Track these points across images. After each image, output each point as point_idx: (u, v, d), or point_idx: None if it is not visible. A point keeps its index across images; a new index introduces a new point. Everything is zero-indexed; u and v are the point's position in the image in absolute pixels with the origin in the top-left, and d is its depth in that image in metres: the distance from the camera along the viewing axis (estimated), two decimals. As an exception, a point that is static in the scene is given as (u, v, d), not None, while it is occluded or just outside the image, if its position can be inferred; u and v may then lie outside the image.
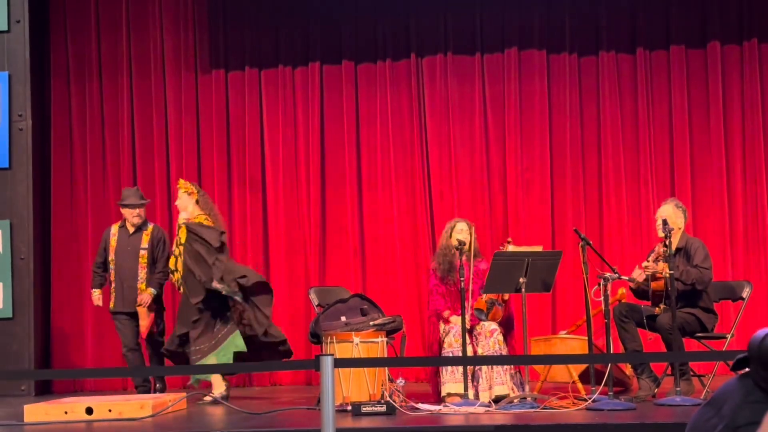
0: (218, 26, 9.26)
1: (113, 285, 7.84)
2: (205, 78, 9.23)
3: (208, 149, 9.19)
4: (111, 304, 7.86)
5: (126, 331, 7.84)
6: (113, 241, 7.91)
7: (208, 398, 7.19)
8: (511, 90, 9.11)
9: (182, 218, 7.57)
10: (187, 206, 7.57)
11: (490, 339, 6.68)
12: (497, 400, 6.40)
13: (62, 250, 9.00)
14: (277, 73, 9.23)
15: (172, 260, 7.49)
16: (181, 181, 7.75)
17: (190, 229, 7.41)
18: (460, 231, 6.91)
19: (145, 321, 7.80)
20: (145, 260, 7.85)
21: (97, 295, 7.93)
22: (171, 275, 7.51)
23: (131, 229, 7.92)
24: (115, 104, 9.20)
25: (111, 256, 7.87)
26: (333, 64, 9.22)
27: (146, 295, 7.75)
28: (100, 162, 9.17)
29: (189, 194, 7.58)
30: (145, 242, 7.89)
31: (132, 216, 7.91)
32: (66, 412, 6.19)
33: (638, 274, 6.77)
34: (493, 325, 6.74)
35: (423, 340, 7.34)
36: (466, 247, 6.76)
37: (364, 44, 9.23)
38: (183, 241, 7.42)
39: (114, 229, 7.99)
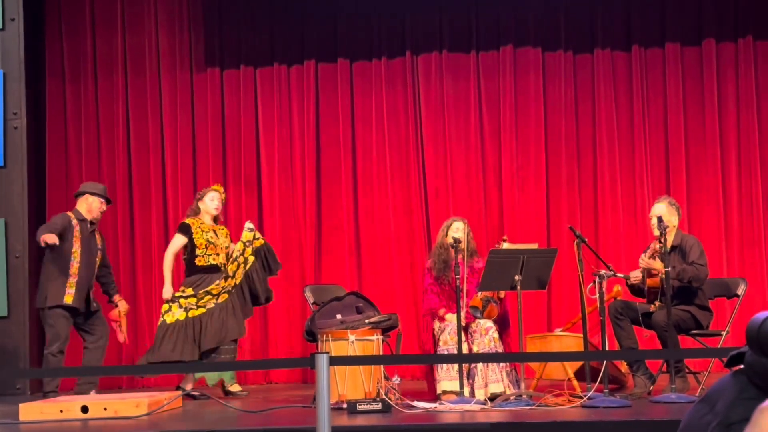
0: (213, 25, 9.26)
1: (75, 279, 7.41)
2: (200, 76, 9.23)
3: (204, 147, 9.18)
4: (67, 299, 7.39)
5: (65, 331, 7.49)
6: (77, 232, 7.49)
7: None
8: (506, 87, 9.12)
9: (252, 226, 7.62)
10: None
11: (485, 337, 6.68)
12: (493, 398, 6.40)
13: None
14: (273, 71, 9.23)
15: (233, 266, 7.49)
16: (219, 186, 7.84)
17: (268, 251, 7.57)
18: (456, 230, 6.92)
19: (124, 330, 7.74)
20: (99, 262, 7.60)
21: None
22: (224, 280, 7.47)
23: (89, 226, 7.55)
24: (110, 102, 9.19)
25: (76, 247, 7.46)
26: (328, 62, 9.22)
27: (124, 303, 7.75)
28: (95, 160, 9.16)
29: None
30: (98, 242, 7.64)
31: (99, 209, 7.60)
32: (61, 411, 6.18)
33: (635, 277, 6.78)
34: (489, 323, 6.74)
35: (418, 338, 7.34)
36: (462, 245, 6.77)
37: (360, 42, 9.23)
38: (251, 254, 7.50)
39: (73, 218, 7.49)
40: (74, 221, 7.49)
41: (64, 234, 7.38)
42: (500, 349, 6.68)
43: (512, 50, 9.14)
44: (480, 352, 6.62)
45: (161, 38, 9.22)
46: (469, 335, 6.75)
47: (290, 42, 9.23)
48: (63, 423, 6.03)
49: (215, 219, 7.72)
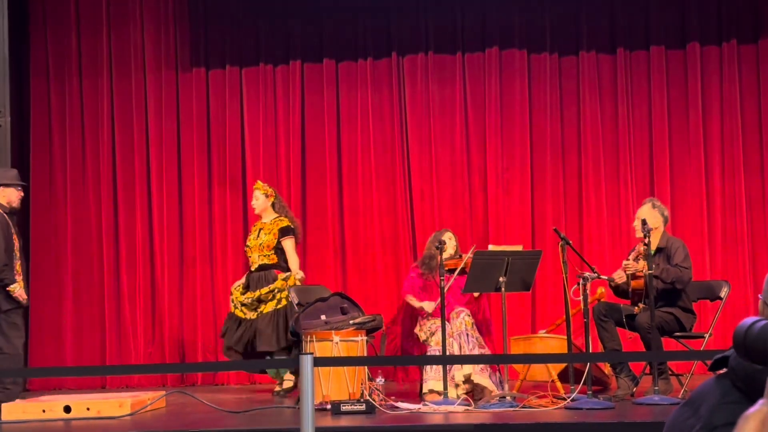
0: (199, 24, 9.24)
1: (21, 276, 7.07)
2: (185, 76, 9.20)
3: (189, 147, 9.16)
4: (25, 298, 7.08)
5: (23, 331, 7.23)
6: (12, 228, 7.08)
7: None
8: (491, 89, 9.13)
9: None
10: (265, 208, 7.83)
11: (457, 320, 6.74)
12: (466, 380, 6.45)
13: (41, 248, 8.95)
14: (258, 71, 9.21)
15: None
16: (259, 183, 7.94)
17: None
18: (449, 239, 7.05)
19: None
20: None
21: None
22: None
23: (7, 217, 7.10)
24: (95, 102, 9.16)
25: (18, 244, 7.13)
26: (314, 63, 9.21)
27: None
28: (79, 160, 9.13)
29: (267, 196, 7.82)
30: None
31: (18, 198, 7.27)
32: (44, 411, 6.16)
33: (619, 276, 6.80)
34: (459, 307, 6.80)
35: (402, 338, 7.37)
36: (446, 246, 6.83)
37: (345, 43, 9.22)
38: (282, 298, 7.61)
39: (3, 215, 7.09)
40: (5, 217, 7.11)
41: (9, 237, 7.04)
42: (472, 333, 6.74)
43: (498, 52, 9.16)
44: (454, 335, 6.67)
45: (146, 38, 9.19)
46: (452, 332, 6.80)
47: (276, 42, 9.22)
48: (45, 423, 6.01)
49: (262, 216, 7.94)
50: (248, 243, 7.85)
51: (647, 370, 6.81)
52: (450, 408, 6.09)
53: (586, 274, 6.51)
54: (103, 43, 9.16)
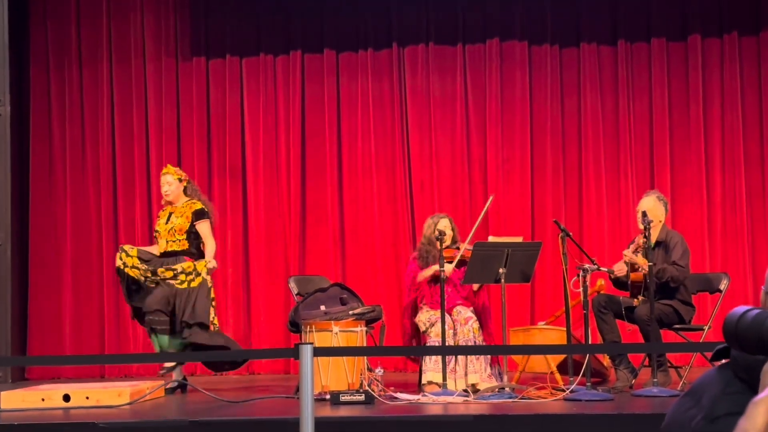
0: (199, 13, 9.22)
1: None
2: (185, 65, 9.19)
3: (189, 137, 9.15)
4: None
5: None
6: None
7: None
8: (492, 81, 9.12)
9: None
10: (178, 194, 7.28)
11: (465, 327, 6.72)
12: (474, 390, 6.43)
13: (40, 237, 8.95)
14: (258, 61, 9.20)
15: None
16: (170, 168, 7.42)
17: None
18: (444, 227, 6.97)
19: None
20: None
21: None
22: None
23: None
24: (94, 90, 9.14)
25: None
26: (314, 53, 9.20)
27: None
28: (79, 149, 9.12)
29: (180, 181, 7.34)
30: None
31: None
32: (43, 399, 6.16)
33: (619, 269, 6.79)
34: (469, 313, 6.78)
35: (402, 329, 7.35)
36: (446, 236, 6.81)
37: (346, 33, 9.21)
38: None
39: None
40: None
41: None
42: (480, 340, 6.72)
43: (498, 44, 9.14)
44: (460, 342, 6.66)
45: (147, 26, 9.18)
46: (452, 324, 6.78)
47: (276, 32, 9.21)
48: (45, 411, 6.02)
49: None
50: (157, 228, 7.29)
51: (646, 362, 6.82)
52: (449, 399, 6.09)
53: (586, 265, 6.51)
54: (103, 33, 9.14)
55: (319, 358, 6.15)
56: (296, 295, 7.37)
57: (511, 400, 6.03)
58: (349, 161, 9.13)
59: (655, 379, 6.28)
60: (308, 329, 6.65)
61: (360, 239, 9.04)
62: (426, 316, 6.88)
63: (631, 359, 6.83)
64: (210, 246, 7.16)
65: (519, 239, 7.09)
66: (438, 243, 6.65)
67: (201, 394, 6.76)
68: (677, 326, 6.84)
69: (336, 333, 6.58)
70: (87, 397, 6.17)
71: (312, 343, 4.11)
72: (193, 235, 7.18)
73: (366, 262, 9.01)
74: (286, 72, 9.18)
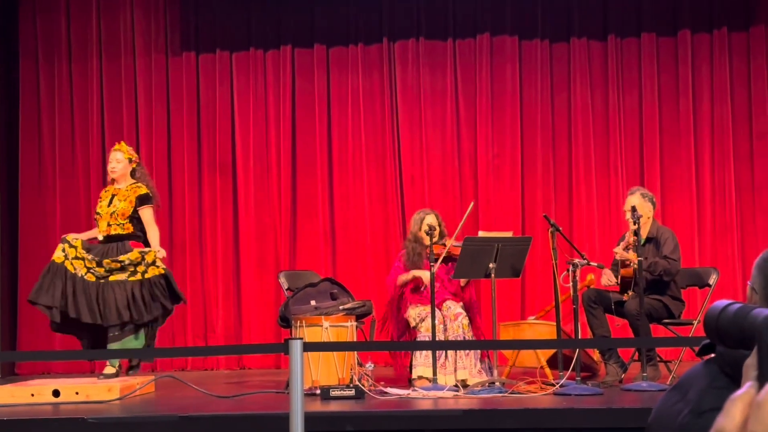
0: (189, 8, 9.20)
1: None
2: (175, 60, 9.17)
3: (178, 132, 9.13)
4: None
5: None
6: None
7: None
8: (482, 76, 9.12)
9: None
10: (125, 174, 7.05)
11: (455, 323, 6.73)
12: (464, 385, 6.44)
13: (30, 234, 8.93)
14: (249, 56, 9.18)
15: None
16: (123, 145, 7.13)
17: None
18: (432, 222, 6.96)
19: None
20: None
21: None
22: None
23: None
24: (84, 86, 9.12)
25: None
26: (305, 48, 9.19)
27: None
28: (68, 144, 9.09)
29: (130, 161, 7.12)
30: None
31: None
32: (32, 395, 6.15)
33: (608, 280, 6.79)
34: (458, 309, 6.79)
35: (393, 323, 7.35)
36: (436, 232, 6.80)
37: (336, 28, 9.20)
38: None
39: None
40: None
41: None
42: (469, 336, 6.73)
43: (489, 38, 9.15)
44: (450, 338, 6.67)
45: (136, 21, 9.15)
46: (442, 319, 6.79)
47: (267, 27, 9.19)
48: (34, 407, 6.00)
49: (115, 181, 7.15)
50: (98, 210, 7.05)
51: (636, 357, 6.84)
52: (439, 394, 6.10)
53: (576, 260, 6.52)
54: (93, 27, 9.11)
55: (309, 353, 6.14)
56: (286, 290, 7.36)
57: (501, 394, 6.04)
58: (340, 156, 9.12)
59: (645, 374, 6.30)
60: (298, 324, 6.64)
61: (350, 234, 9.04)
62: (416, 312, 6.89)
63: (620, 353, 6.85)
64: (154, 233, 6.99)
65: (509, 234, 7.10)
66: (428, 238, 6.65)
67: (191, 389, 6.75)
68: (667, 321, 6.86)
69: (326, 328, 6.58)
70: (76, 393, 6.16)
71: (302, 339, 4.11)
72: (136, 220, 7.01)
73: (356, 257, 9.01)
74: (276, 67, 9.16)
